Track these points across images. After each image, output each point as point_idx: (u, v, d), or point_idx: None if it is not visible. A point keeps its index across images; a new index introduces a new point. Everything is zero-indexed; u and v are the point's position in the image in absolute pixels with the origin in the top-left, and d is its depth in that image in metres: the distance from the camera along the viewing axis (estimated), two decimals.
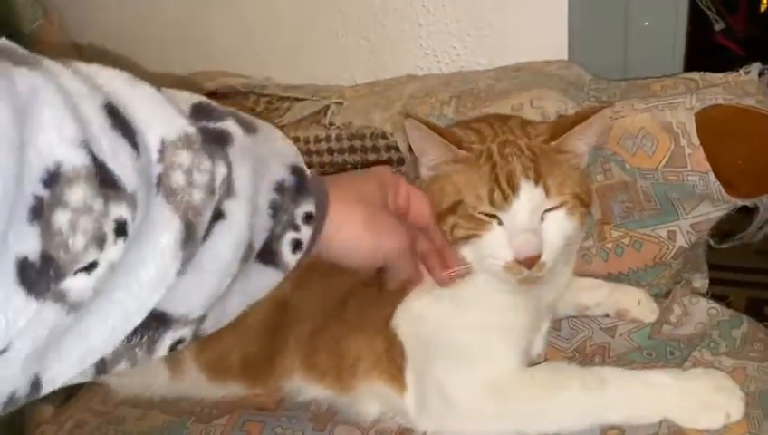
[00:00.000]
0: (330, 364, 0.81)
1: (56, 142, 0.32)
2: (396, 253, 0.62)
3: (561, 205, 0.70)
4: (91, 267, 0.33)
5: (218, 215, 0.41)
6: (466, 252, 0.72)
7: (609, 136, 0.84)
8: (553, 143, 0.71)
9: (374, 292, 0.75)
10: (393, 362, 0.78)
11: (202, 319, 0.44)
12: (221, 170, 0.41)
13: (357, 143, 0.97)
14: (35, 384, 0.34)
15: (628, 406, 0.70)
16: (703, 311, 0.84)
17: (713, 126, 0.80)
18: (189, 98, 0.44)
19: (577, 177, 0.72)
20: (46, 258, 0.31)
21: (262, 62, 1.21)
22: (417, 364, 0.77)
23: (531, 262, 0.68)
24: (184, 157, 0.39)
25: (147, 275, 0.37)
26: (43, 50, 0.37)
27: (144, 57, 1.24)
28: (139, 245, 0.36)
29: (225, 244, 0.42)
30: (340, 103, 1.00)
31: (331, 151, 0.99)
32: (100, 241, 0.33)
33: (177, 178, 0.38)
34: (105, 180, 0.34)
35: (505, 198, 0.68)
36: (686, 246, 0.87)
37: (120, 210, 0.34)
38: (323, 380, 0.82)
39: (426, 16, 1.09)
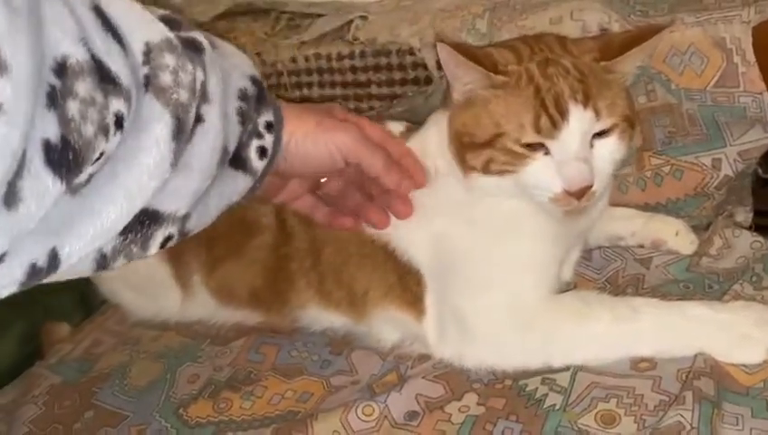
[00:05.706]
0: (341, 294, 0.79)
1: (60, 36, 0.34)
2: (351, 142, 0.63)
3: (612, 128, 0.65)
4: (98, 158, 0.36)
5: (198, 118, 0.44)
6: (501, 181, 0.66)
7: (654, 53, 0.78)
8: (605, 63, 0.65)
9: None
10: (408, 289, 0.75)
11: (187, 217, 0.47)
12: (199, 75, 0.44)
13: (382, 60, 0.91)
14: (53, 257, 0.37)
15: (662, 338, 0.66)
16: (746, 244, 0.79)
17: None
18: (156, 11, 0.47)
19: (625, 96, 0.66)
20: (65, 142, 0.34)
21: None
22: (436, 291, 0.73)
23: (582, 193, 0.63)
24: (169, 59, 0.42)
25: (147, 161, 0.40)
26: None
27: None
28: (138, 135, 0.39)
29: (206, 145, 0.45)
30: (364, 18, 0.94)
31: (354, 69, 0.94)
32: (105, 131, 0.36)
33: (166, 79, 0.41)
34: (103, 76, 0.36)
35: (554, 125, 0.62)
36: (731, 175, 0.81)
37: (118, 104, 0.37)
38: (338, 308, 0.80)
39: None
